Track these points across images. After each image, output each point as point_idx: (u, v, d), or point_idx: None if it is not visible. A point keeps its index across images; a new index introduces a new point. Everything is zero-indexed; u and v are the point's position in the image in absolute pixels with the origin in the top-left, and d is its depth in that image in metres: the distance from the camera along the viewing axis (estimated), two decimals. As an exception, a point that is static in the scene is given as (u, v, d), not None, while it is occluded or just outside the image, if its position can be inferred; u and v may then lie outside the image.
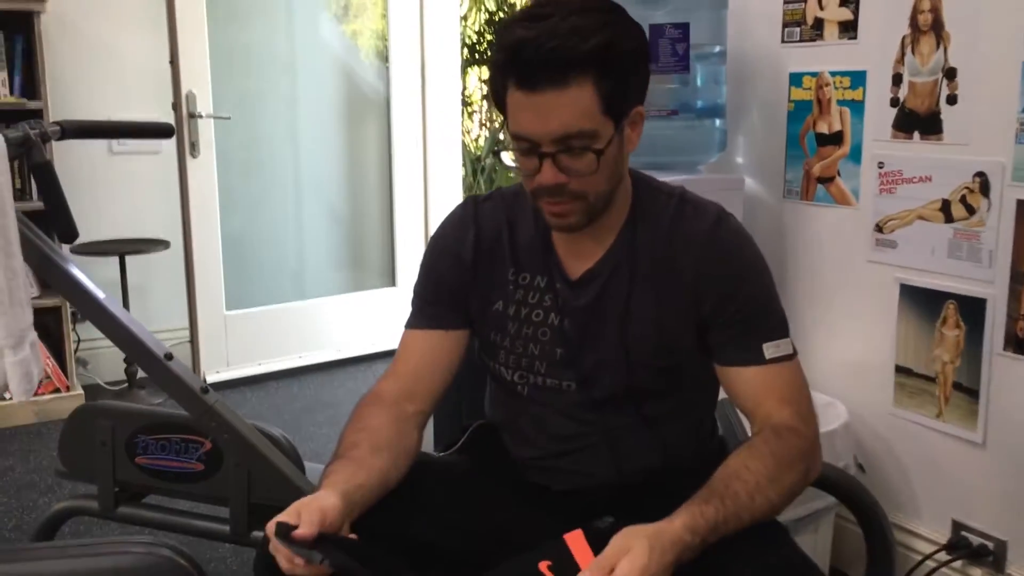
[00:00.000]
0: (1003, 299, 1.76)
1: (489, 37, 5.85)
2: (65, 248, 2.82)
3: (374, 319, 3.88)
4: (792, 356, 1.24)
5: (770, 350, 1.22)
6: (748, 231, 1.29)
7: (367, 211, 4.17)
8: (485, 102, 6.07)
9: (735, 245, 1.27)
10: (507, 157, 1.22)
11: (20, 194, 3.03)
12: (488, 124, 6.24)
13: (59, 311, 3.26)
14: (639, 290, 1.25)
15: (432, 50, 4.13)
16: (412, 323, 1.36)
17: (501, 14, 5.80)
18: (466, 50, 5.50)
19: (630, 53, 1.17)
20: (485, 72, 5.81)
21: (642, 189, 1.29)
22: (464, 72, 5.32)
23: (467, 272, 1.33)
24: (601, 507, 1.24)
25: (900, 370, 1.97)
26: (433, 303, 1.35)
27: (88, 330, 3.60)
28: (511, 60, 1.13)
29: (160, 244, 3.42)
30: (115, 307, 1.54)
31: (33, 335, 1.44)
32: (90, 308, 1.51)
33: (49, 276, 1.52)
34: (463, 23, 5.51)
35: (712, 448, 1.38)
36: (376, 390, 1.31)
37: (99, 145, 3.54)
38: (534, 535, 1.13)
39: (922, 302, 1.91)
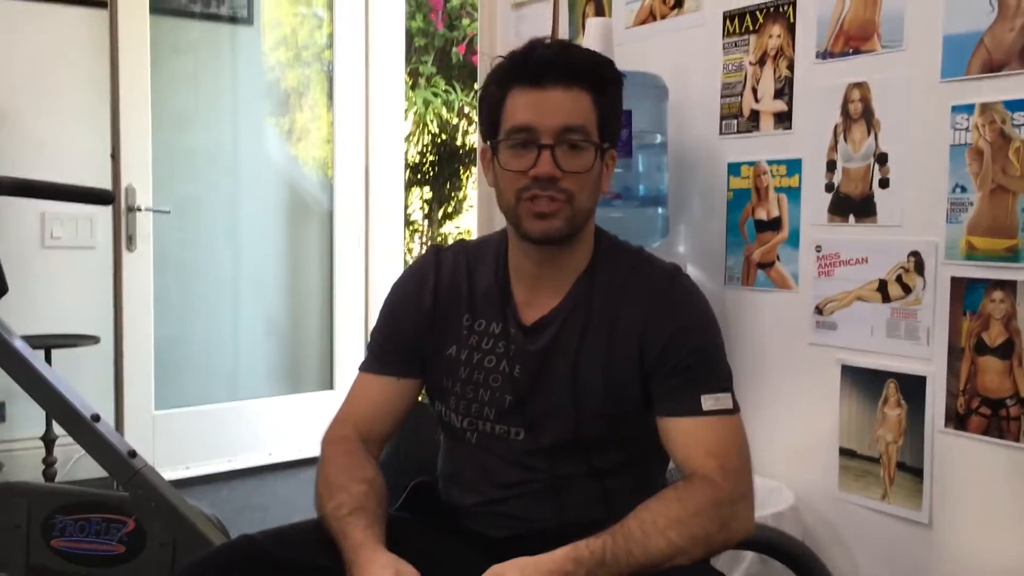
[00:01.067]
0: (942, 376, 1.78)
1: (432, 158, 5.96)
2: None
3: (309, 423, 3.75)
4: (732, 411, 1.25)
5: (708, 402, 1.23)
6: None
7: (306, 315, 4.12)
8: (426, 222, 6.13)
9: (683, 298, 1.29)
10: (506, 154, 1.25)
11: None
12: (427, 244, 6.29)
13: (-23, 407, 3.11)
14: (591, 338, 1.26)
15: (377, 168, 4.17)
16: (366, 367, 1.38)
17: (444, 136, 5.93)
18: (409, 171, 5.59)
19: (616, 82, 1.29)
20: (427, 192, 5.93)
21: (603, 241, 1.34)
22: (408, 191, 5.39)
23: (424, 317, 1.35)
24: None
25: (844, 452, 1.96)
26: (389, 350, 1.37)
27: (4, 430, 3.45)
28: (523, 63, 1.24)
29: (89, 340, 3.32)
30: (40, 364, 1.47)
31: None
32: (12, 363, 1.44)
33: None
34: (407, 143, 5.61)
35: None
36: (342, 435, 1.33)
37: (32, 237, 3.47)
38: None
39: (863, 382, 1.92)
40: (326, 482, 1.25)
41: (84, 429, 1.47)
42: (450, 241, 5.13)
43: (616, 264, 1.31)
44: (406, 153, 5.42)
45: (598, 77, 1.25)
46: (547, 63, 1.23)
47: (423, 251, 1.45)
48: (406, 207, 5.27)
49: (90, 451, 1.50)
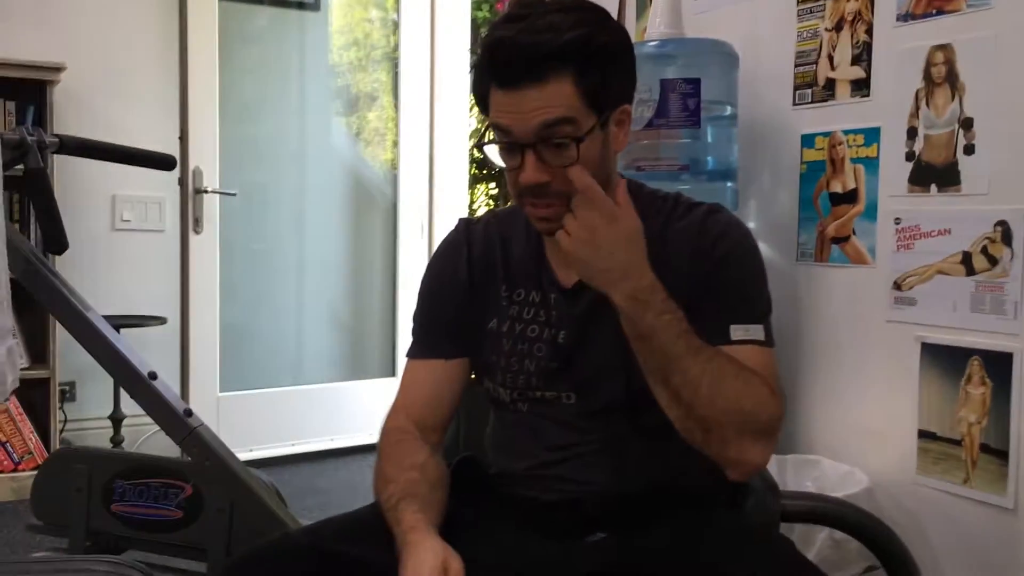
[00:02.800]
0: (1031, 352, 1.68)
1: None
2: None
3: (371, 409, 3.76)
4: (763, 344, 1.18)
5: (738, 332, 1.17)
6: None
7: (369, 304, 4.12)
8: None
9: (722, 231, 1.23)
10: (492, 152, 1.20)
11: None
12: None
13: (47, 385, 3.16)
14: None
15: (441, 159, 4.16)
16: (413, 353, 1.34)
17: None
18: (475, 165, 5.57)
19: (608, 46, 1.17)
20: (493, 189, 5.90)
21: (636, 193, 1.26)
22: (472, 188, 5.37)
23: (461, 293, 1.31)
24: (592, 521, 1.19)
25: (923, 434, 1.87)
26: (432, 332, 1.33)
27: (74, 409, 3.50)
28: (490, 60, 1.15)
29: (156, 320, 3.36)
30: (100, 323, 1.46)
31: (11, 341, 1.36)
32: (73, 320, 1.43)
33: (33, 285, 1.45)
34: (472, 140, 5.58)
35: (719, 474, 1.28)
36: (395, 425, 1.29)
37: (102, 221, 3.53)
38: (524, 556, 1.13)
39: (945, 360, 1.83)
40: (380, 474, 1.23)
41: (141, 386, 1.46)
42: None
43: (653, 212, 1.25)
44: (471, 149, 5.41)
45: (575, 54, 1.13)
46: (517, 60, 1.13)
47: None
48: (472, 202, 5.26)
49: (146, 408, 1.49)
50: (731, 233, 1.23)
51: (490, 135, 1.21)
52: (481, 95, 1.19)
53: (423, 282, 1.36)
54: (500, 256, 1.31)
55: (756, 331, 1.18)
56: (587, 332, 1.23)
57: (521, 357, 1.27)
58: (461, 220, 1.38)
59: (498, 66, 1.14)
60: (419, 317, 1.36)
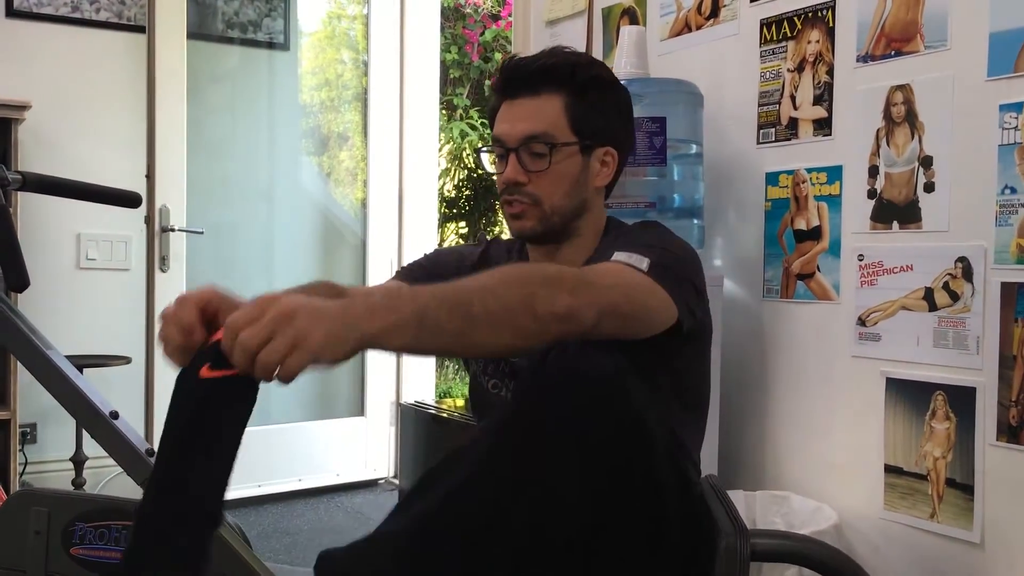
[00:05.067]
0: (993, 386, 1.70)
1: (467, 192, 5.96)
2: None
3: (340, 449, 3.73)
4: (642, 271, 1.15)
5: (620, 256, 1.18)
6: (689, 248, 1.36)
7: (338, 342, 4.08)
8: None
9: (630, 226, 1.39)
10: (486, 159, 1.44)
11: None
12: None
13: (7, 426, 3.10)
14: None
15: (410, 198, 4.16)
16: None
17: (480, 171, 5.93)
18: (445, 205, 5.58)
19: (598, 79, 1.35)
20: (463, 227, 5.91)
21: (611, 228, 1.44)
22: (442, 227, 5.38)
23: (465, 273, 1.37)
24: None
25: (890, 469, 1.88)
26: (420, 279, 1.38)
27: (36, 451, 3.44)
28: (500, 75, 1.35)
29: (121, 360, 3.31)
30: (61, 361, 1.44)
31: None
32: (32, 358, 1.41)
33: (-8, 322, 1.42)
34: (444, 178, 5.61)
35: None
36: None
37: (67, 259, 3.49)
38: None
39: (909, 395, 1.84)
40: None
41: (102, 425, 1.43)
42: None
43: (607, 247, 1.32)
44: (442, 187, 5.43)
45: (569, 76, 1.30)
46: (516, 73, 1.32)
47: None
48: (442, 240, 5.27)
49: (107, 448, 1.46)
50: (635, 227, 1.37)
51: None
52: (492, 111, 1.38)
53: (433, 253, 1.51)
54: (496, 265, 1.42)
55: (639, 260, 1.15)
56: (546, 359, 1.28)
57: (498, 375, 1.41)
58: (486, 239, 1.57)
59: (505, 78, 1.34)
60: (407, 266, 1.48)
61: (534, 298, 0.96)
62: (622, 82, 2.10)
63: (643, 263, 1.15)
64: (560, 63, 1.31)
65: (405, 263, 3.95)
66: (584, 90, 1.32)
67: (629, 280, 1.12)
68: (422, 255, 1.51)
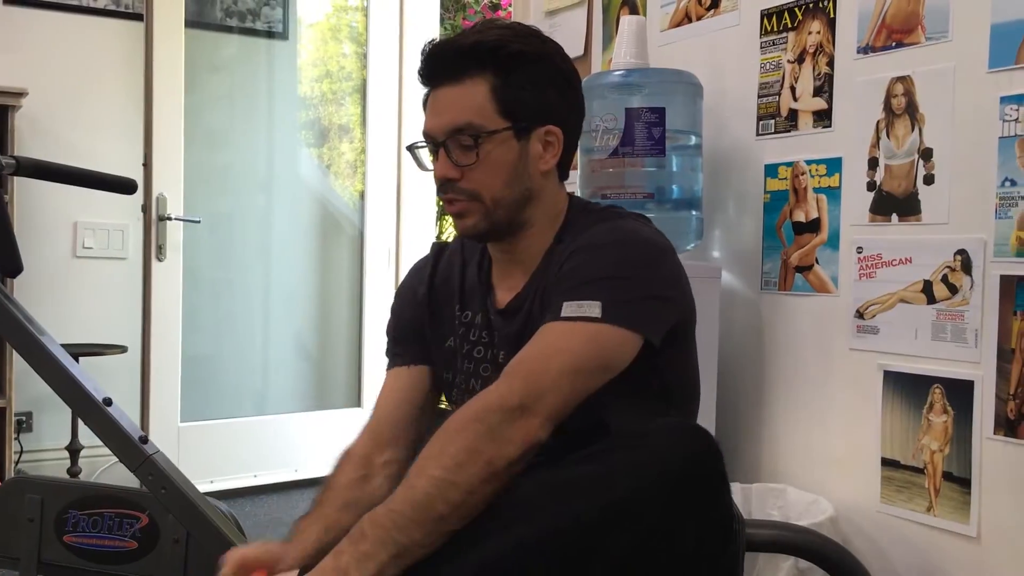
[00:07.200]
0: (991, 379, 1.69)
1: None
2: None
3: (336, 440, 3.71)
4: (595, 320, 1.11)
5: (569, 309, 1.12)
6: (657, 241, 1.24)
7: (335, 333, 4.08)
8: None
9: (591, 233, 1.21)
10: (424, 155, 1.27)
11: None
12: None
13: (3, 415, 3.09)
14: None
15: (409, 189, 4.15)
16: (388, 366, 1.40)
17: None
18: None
19: (525, 54, 1.20)
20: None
21: (575, 213, 1.28)
22: (440, 219, 5.37)
23: (421, 308, 1.37)
24: None
25: (887, 462, 1.87)
26: (399, 341, 1.40)
27: (31, 440, 3.43)
28: (421, 63, 1.23)
29: (116, 349, 3.30)
30: (53, 346, 1.43)
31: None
32: (24, 342, 1.40)
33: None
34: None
35: None
36: (348, 447, 1.36)
37: (64, 247, 3.48)
38: None
39: (907, 388, 1.83)
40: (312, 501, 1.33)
41: (95, 412, 1.43)
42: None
43: (580, 228, 1.25)
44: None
45: (491, 56, 1.17)
46: (437, 59, 1.20)
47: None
48: (440, 232, 5.26)
49: (100, 435, 1.45)
50: (597, 233, 1.21)
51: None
52: (423, 103, 1.26)
53: (393, 299, 1.44)
54: (458, 279, 1.36)
55: (591, 307, 1.12)
56: None
57: (468, 376, 1.31)
58: (434, 244, 1.45)
59: (424, 64, 1.22)
60: (388, 330, 1.43)
61: (484, 458, 1.02)
62: (621, 72, 2.11)
63: (595, 308, 1.11)
64: (481, 42, 1.18)
65: (401, 257, 3.93)
66: (510, 69, 1.18)
67: (576, 348, 1.10)
68: (390, 311, 1.43)
